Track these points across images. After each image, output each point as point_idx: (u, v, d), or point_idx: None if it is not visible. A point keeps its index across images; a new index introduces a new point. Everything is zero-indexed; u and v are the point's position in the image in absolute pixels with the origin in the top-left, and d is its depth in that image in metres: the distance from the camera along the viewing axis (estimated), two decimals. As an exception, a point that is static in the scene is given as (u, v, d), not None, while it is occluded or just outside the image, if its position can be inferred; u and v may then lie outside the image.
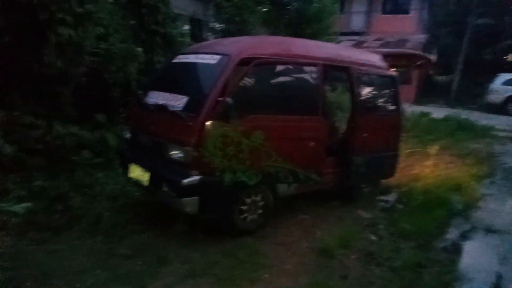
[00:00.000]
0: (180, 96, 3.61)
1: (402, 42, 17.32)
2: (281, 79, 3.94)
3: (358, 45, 16.73)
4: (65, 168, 4.61)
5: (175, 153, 3.32)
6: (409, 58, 15.67)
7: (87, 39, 5.41)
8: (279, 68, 3.86)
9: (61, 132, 4.91)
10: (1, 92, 4.84)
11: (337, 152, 4.51)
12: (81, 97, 5.64)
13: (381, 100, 5.05)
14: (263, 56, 3.61)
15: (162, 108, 3.60)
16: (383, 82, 5.03)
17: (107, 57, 5.96)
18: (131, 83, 6.18)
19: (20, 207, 3.77)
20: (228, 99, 3.25)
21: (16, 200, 3.89)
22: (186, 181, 3.17)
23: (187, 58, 4.17)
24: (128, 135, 4.20)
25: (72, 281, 2.74)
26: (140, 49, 6.60)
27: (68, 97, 5.38)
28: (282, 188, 3.83)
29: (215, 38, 10.95)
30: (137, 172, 3.70)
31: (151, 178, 3.50)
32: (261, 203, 3.71)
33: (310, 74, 4.02)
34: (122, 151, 4.33)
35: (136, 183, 3.76)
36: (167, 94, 3.82)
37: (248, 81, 3.54)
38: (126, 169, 3.97)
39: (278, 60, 3.78)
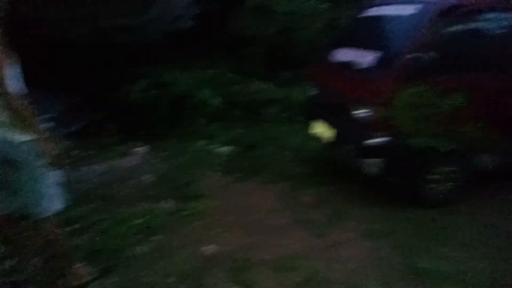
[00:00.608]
0: (367, 53, 3.44)
1: None
2: (492, 31, 3.25)
3: None
4: (257, 121, 5.21)
5: (361, 112, 3.25)
6: None
7: (276, 1, 5.74)
8: (491, 17, 3.19)
9: (255, 88, 5.52)
10: (208, 54, 5.71)
11: None
12: (270, 56, 6.15)
13: None
14: (471, 3, 3.04)
15: (347, 65, 3.52)
16: None
17: (294, 17, 6.20)
18: (316, 41, 6.29)
19: (224, 150, 4.53)
20: (424, 55, 2.91)
21: (220, 144, 4.67)
22: (370, 142, 3.10)
23: (377, 11, 3.89)
24: (312, 92, 4.34)
25: (263, 218, 3.15)
26: (325, 5, 6.57)
27: (261, 56, 5.95)
28: (483, 159, 3.30)
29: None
30: (319, 129, 3.83)
31: (334, 136, 3.56)
32: (455, 175, 3.30)
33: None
34: (306, 107, 4.53)
35: (318, 139, 3.91)
36: (353, 51, 3.70)
37: (449, 33, 3.07)
38: (309, 125, 4.16)
39: (491, 7, 3.12)
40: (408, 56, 3.00)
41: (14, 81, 1.82)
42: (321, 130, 3.77)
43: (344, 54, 3.82)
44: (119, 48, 4.84)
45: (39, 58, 4.09)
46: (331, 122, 3.67)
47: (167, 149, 4.38)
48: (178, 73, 4.77)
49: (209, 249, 2.68)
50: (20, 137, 1.85)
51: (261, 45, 5.91)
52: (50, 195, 2.00)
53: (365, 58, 3.41)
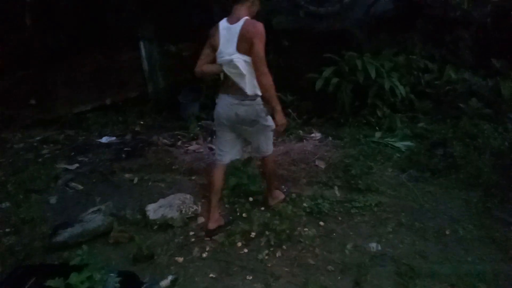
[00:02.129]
0: None
1: None
2: None
3: None
4: (450, 115, 4.55)
5: None
6: None
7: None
8: None
9: (452, 77, 4.80)
10: (403, 39, 5.24)
11: None
12: (479, 41, 5.20)
13: None
14: None
15: None
16: None
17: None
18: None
19: (402, 145, 4.17)
20: None
21: (400, 137, 4.31)
22: None
23: None
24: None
25: (442, 227, 2.78)
26: None
27: (467, 40, 5.10)
28: None
29: None
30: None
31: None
32: None
33: None
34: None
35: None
36: None
37: None
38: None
39: None
40: None
41: None
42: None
43: None
44: (315, 35, 5.04)
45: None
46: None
47: (342, 138, 4.35)
48: (367, 60, 4.58)
49: (373, 247, 2.55)
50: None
51: (471, 28, 5.05)
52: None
53: None
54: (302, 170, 3.60)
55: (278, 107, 2.43)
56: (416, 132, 4.41)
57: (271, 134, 2.70)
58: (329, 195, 3.17)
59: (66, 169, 4.07)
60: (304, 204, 3.01)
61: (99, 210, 2.97)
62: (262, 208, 3.00)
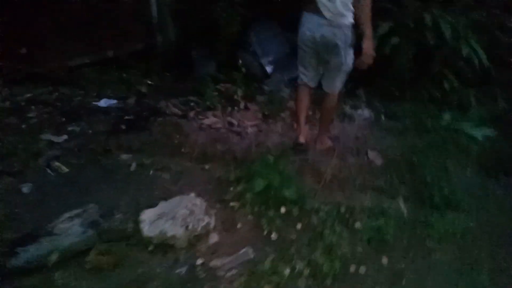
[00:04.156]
0: None
1: None
2: None
3: None
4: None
5: None
6: None
7: None
8: None
9: None
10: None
11: None
12: None
13: None
14: None
15: None
16: None
17: None
18: None
19: (480, 133, 3.19)
20: None
21: (476, 121, 3.32)
22: None
23: None
24: None
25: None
26: None
27: None
28: None
29: None
30: None
31: None
32: None
33: None
34: None
35: None
36: None
37: None
38: None
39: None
40: None
41: None
42: None
43: None
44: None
45: None
46: None
47: (399, 119, 3.39)
48: (438, 13, 3.45)
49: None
50: None
51: None
52: None
53: None
54: (352, 167, 2.70)
55: (371, 33, 2.44)
56: (495, 114, 3.41)
57: (345, 75, 2.64)
58: (392, 211, 2.28)
59: (52, 142, 3.30)
60: (358, 225, 2.16)
61: (77, 215, 2.21)
62: (299, 226, 2.17)
